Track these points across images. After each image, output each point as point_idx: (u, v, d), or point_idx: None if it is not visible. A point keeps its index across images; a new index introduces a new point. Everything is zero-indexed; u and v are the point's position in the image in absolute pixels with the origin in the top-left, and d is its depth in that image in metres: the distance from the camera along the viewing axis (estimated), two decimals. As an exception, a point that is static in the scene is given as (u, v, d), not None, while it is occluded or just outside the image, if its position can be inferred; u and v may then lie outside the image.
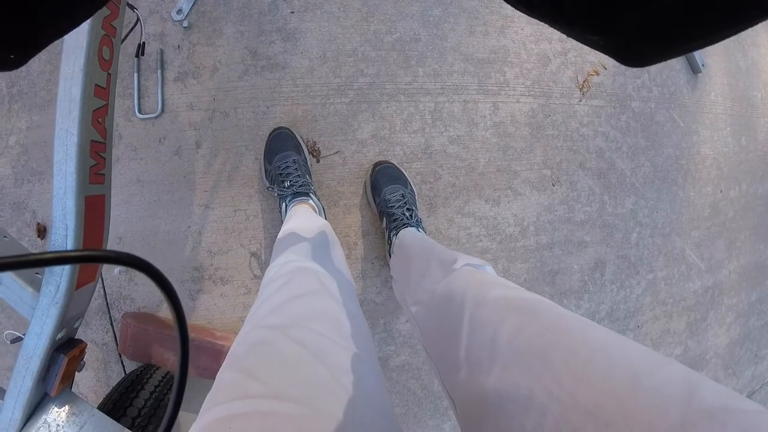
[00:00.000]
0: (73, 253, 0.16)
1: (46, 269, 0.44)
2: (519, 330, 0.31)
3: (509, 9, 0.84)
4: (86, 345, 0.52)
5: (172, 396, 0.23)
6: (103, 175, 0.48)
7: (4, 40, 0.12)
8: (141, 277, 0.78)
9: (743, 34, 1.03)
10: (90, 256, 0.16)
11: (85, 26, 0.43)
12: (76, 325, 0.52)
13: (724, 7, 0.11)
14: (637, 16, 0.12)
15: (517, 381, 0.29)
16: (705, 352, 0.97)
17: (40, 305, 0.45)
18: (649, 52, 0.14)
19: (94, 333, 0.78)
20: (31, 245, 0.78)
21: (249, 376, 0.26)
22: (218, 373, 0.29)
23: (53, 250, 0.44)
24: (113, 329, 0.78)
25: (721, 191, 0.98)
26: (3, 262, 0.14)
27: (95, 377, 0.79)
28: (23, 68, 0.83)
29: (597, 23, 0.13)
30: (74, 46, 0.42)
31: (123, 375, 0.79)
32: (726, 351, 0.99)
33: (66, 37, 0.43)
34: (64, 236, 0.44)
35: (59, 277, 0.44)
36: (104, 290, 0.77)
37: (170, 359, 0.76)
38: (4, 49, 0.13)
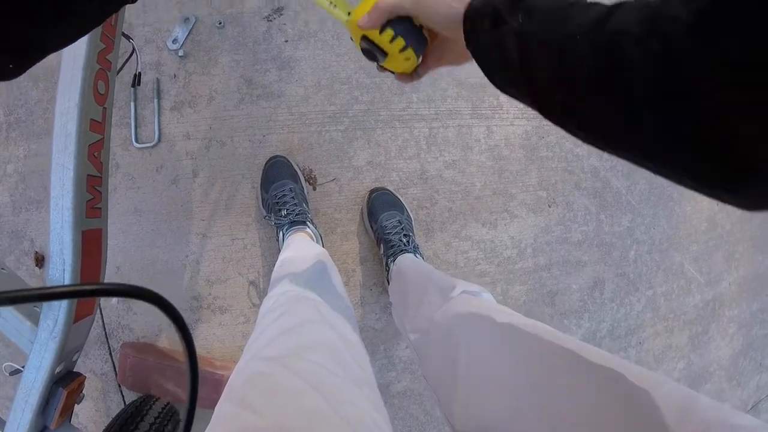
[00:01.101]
0: (85, 287, 0.16)
1: (44, 303, 0.45)
2: (517, 356, 0.32)
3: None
4: (85, 377, 0.52)
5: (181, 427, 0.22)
6: (100, 209, 0.48)
7: (1, 49, 0.12)
8: (139, 307, 0.78)
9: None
10: (100, 290, 0.16)
11: (80, 61, 0.43)
12: (75, 358, 0.52)
13: None
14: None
15: (515, 405, 0.29)
16: (708, 365, 0.97)
17: (38, 339, 0.45)
18: None
19: (92, 363, 0.78)
20: (29, 274, 0.78)
21: (247, 409, 0.26)
22: (217, 405, 0.29)
23: (51, 284, 0.44)
24: (112, 359, 0.77)
25: (718, 204, 0.99)
26: (27, 294, 0.14)
27: (94, 407, 0.78)
28: (21, 97, 0.84)
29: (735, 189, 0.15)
30: (69, 81, 0.43)
31: (122, 405, 0.78)
32: (730, 362, 0.99)
33: (61, 72, 0.43)
34: (61, 270, 0.44)
35: (57, 311, 0.44)
36: (102, 320, 0.77)
37: (170, 389, 0.75)
38: (2, 57, 0.13)
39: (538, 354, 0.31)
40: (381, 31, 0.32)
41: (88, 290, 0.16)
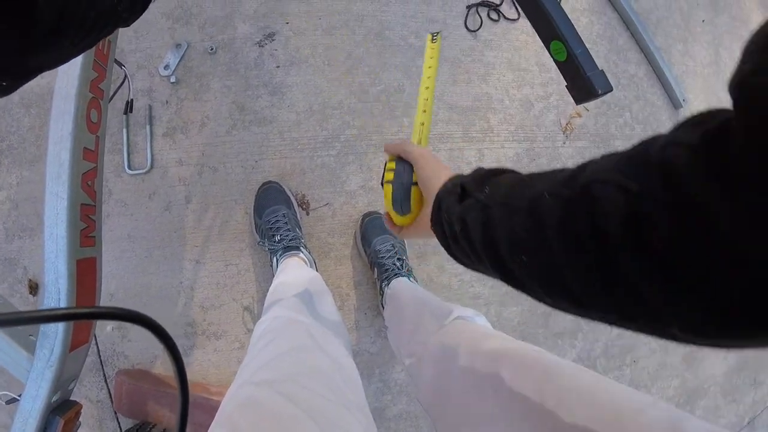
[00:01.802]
0: (77, 311, 0.16)
1: (40, 333, 0.45)
2: (513, 381, 0.32)
3: (491, 56, 0.86)
4: (81, 406, 0.52)
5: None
6: (94, 237, 0.48)
7: None
8: (134, 334, 0.78)
9: (722, 66, 1.05)
10: (93, 313, 0.17)
11: (72, 90, 0.44)
12: (71, 386, 0.52)
13: None
14: None
15: (511, 428, 0.29)
16: (703, 382, 0.97)
17: (34, 368, 0.45)
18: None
19: (88, 390, 0.78)
20: (23, 302, 0.78)
21: None
22: (209, 430, 0.29)
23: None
24: (107, 386, 0.77)
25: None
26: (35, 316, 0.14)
27: (89, 436, 0.78)
28: (13, 124, 0.84)
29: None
30: (62, 111, 0.43)
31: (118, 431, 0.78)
32: (724, 379, 0.99)
33: (54, 101, 0.44)
34: (57, 299, 0.44)
35: (53, 340, 0.44)
36: (97, 347, 0.77)
37: (166, 415, 0.75)
38: None
39: (533, 377, 0.32)
40: (391, 160, 0.36)
41: (81, 313, 0.16)
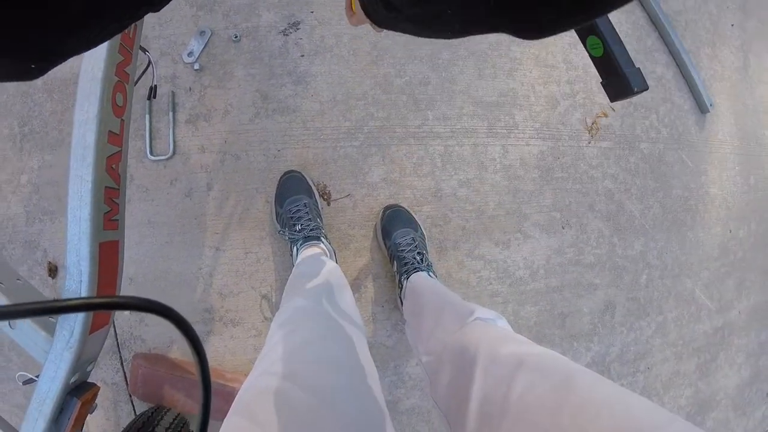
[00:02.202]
0: (97, 300, 0.16)
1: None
2: (530, 387, 0.32)
3: (518, 51, 0.85)
4: (99, 388, 0.52)
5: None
6: (117, 221, 0.48)
7: (25, 51, 0.12)
8: (152, 319, 0.78)
9: (750, 71, 1.03)
10: (113, 303, 0.16)
11: (98, 73, 0.43)
12: (90, 368, 0.52)
13: None
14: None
15: None
16: (715, 393, 0.96)
17: (53, 350, 0.45)
18: (547, 24, 0.15)
19: (104, 372, 0.78)
20: (42, 284, 0.79)
21: (256, 424, 0.27)
22: (226, 418, 0.29)
23: (68, 295, 0.44)
24: (123, 369, 0.78)
25: (730, 231, 0.98)
26: (37, 307, 0.14)
27: (105, 417, 0.79)
28: (35, 108, 0.84)
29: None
30: (88, 93, 0.43)
31: (133, 415, 0.79)
32: (736, 392, 0.98)
33: (80, 83, 0.43)
34: (78, 282, 0.44)
35: (73, 321, 0.44)
36: (115, 330, 0.78)
37: (180, 400, 0.76)
38: (26, 60, 0.13)
39: (552, 385, 0.31)
40: None
41: (101, 303, 0.16)
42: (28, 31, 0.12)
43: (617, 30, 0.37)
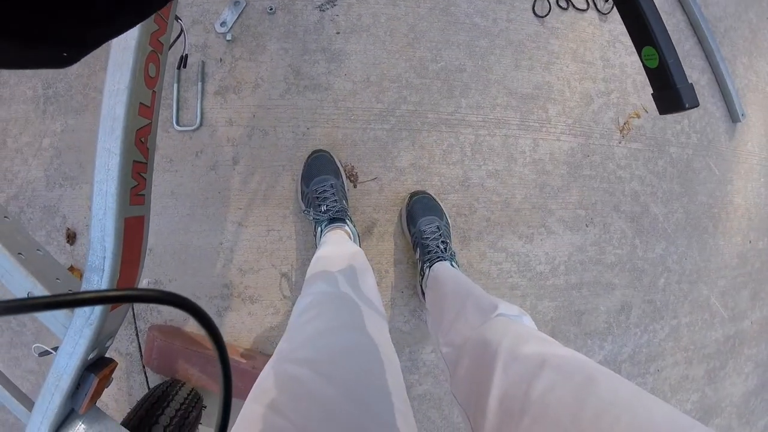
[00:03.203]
0: (113, 293, 0.15)
1: (82, 289, 0.44)
2: (552, 386, 0.32)
3: (556, 45, 0.83)
4: (117, 364, 0.51)
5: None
6: (144, 195, 0.47)
7: (58, 38, 0.12)
8: (169, 290, 0.77)
9: (786, 85, 1.02)
10: (131, 296, 0.16)
11: (132, 42, 0.42)
12: (108, 344, 0.51)
13: None
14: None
15: None
16: (721, 400, 0.97)
17: (73, 325, 0.44)
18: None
19: (118, 342, 0.78)
20: (60, 250, 0.78)
21: (275, 412, 0.26)
22: (245, 404, 0.29)
23: (90, 270, 0.43)
24: (138, 340, 0.77)
25: (750, 242, 0.98)
26: (51, 300, 0.13)
27: (117, 387, 0.79)
28: (61, 70, 0.82)
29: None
30: (120, 62, 0.41)
31: (145, 386, 0.79)
32: (741, 400, 0.99)
33: (112, 52, 0.42)
34: (102, 258, 0.43)
35: None
36: (130, 300, 0.77)
37: (195, 375, 0.75)
38: (59, 46, 0.12)
39: (574, 385, 0.31)
40: None
41: (115, 296, 0.15)
42: (66, 17, 0.11)
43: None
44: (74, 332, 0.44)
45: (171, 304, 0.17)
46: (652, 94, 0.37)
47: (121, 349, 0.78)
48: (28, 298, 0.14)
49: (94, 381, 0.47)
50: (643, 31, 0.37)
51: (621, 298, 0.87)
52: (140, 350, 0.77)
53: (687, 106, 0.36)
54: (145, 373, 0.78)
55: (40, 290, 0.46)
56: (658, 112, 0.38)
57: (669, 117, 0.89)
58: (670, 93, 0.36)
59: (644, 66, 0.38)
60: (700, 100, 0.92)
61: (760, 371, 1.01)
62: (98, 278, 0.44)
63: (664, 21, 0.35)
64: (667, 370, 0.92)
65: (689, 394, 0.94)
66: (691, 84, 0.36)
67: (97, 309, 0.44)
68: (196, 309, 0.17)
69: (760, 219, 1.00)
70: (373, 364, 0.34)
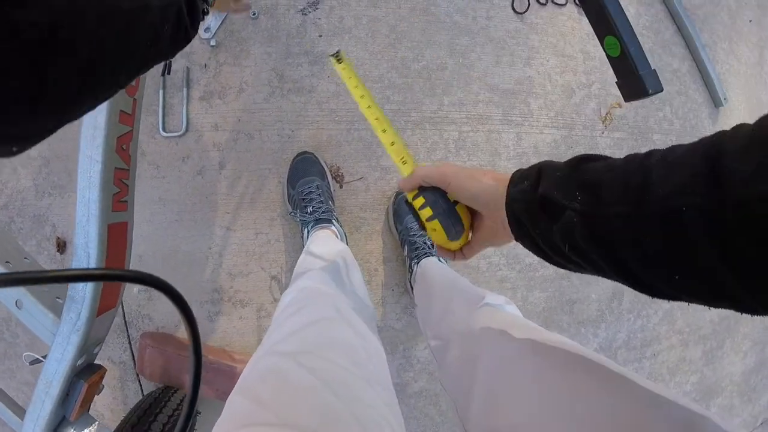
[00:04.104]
0: (95, 272, 0.16)
1: (68, 297, 0.44)
2: (539, 371, 0.32)
3: (536, 40, 0.84)
4: (105, 370, 0.52)
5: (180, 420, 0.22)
6: (126, 202, 0.48)
7: (6, 137, 0.12)
8: (160, 297, 0.77)
9: (766, 67, 1.03)
10: (111, 275, 0.16)
11: None
12: (96, 350, 0.52)
13: None
14: None
15: (533, 418, 0.29)
16: (721, 380, 0.97)
17: (60, 332, 0.44)
18: None
19: (111, 351, 0.78)
20: (50, 259, 0.78)
21: (259, 404, 0.26)
22: (229, 398, 0.29)
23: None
24: (131, 348, 0.78)
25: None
26: (25, 276, 0.14)
27: (112, 396, 0.79)
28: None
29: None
30: None
31: (140, 394, 0.79)
32: (742, 378, 1.00)
33: None
34: (86, 263, 0.43)
35: (80, 304, 0.44)
36: (123, 308, 0.77)
37: (188, 381, 0.75)
38: (7, 144, 0.13)
39: (559, 366, 0.31)
40: (414, 197, 0.33)
41: (99, 275, 0.16)
42: (18, 116, 0.11)
43: (634, 23, 0.37)
44: (62, 338, 0.45)
45: (147, 284, 0.17)
46: (616, 82, 0.38)
47: (115, 357, 0.78)
48: (15, 272, 0.14)
49: (83, 387, 0.47)
50: (604, 20, 0.37)
51: (612, 285, 0.87)
52: (133, 358, 0.77)
53: (650, 91, 0.36)
54: (139, 381, 0.78)
55: (27, 297, 0.46)
56: (624, 100, 0.38)
57: (651, 105, 0.90)
58: (633, 80, 0.36)
59: (607, 56, 0.38)
60: (682, 87, 0.93)
61: (758, 348, 1.01)
62: (83, 284, 0.44)
63: (644, 12, 0.36)
64: (664, 353, 0.92)
65: (688, 376, 0.94)
66: (654, 70, 0.37)
67: (84, 315, 0.45)
68: (168, 288, 0.17)
69: (747, 203, 1.00)
70: (358, 356, 0.34)
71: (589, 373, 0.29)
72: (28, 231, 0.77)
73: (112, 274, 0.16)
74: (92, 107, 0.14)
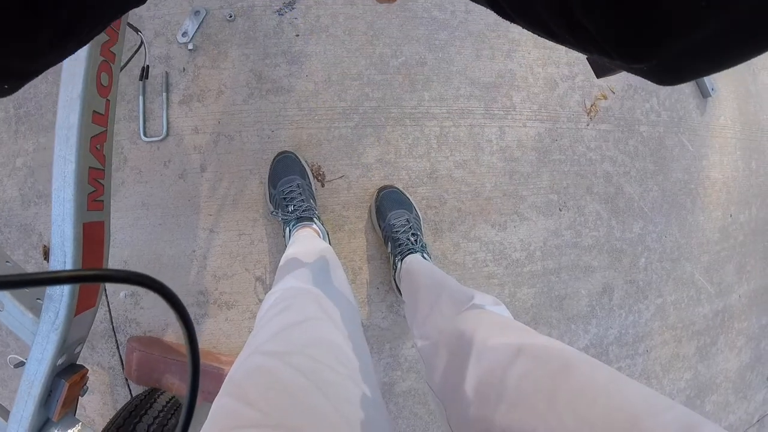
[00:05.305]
0: (84, 272, 0.16)
1: (46, 296, 0.45)
2: (528, 373, 0.32)
3: (516, 32, 0.83)
4: (87, 370, 0.52)
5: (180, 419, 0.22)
6: (102, 201, 0.48)
7: (3, 71, 0.12)
8: (147, 301, 0.78)
9: (753, 59, 1.01)
10: (100, 276, 0.16)
11: (82, 52, 0.43)
12: (78, 350, 0.52)
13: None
14: (680, 45, 0.12)
15: (522, 419, 0.29)
16: (715, 377, 0.95)
17: (40, 331, 0.45)
18: (687, 74, 0.14)
19: (100, 356, 0.78)
20: (38, 267, 0.79)
21: (246, 404, 0.26)
22: (216, 399, 0.28)
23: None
24: (119, 353, 0.78)
25: (731, 215, 0.97)
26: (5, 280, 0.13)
27: (102, 401, 0.79)
28: (30, 90, 0.84)
29: (638, 54, 0.14)
30: (72, 73, 0.42)
31: (129, 398, 0.79)
32: (737, 375, 0.98)
33: (64, 63, 0.43)
34: (62, 263, 0.44)
35: (58, 303, 0.44)
36: (110, 314, 0.77)
37: (175, 384, 0.75)
38: (6, 79, 0.13)
39: (550, 371, 0.31)
40: None
41: (85, 276, 0.15)
42: (8, 53, 0.11)
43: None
44: (41, 338, 0.45)
45: (138, 284, 0.17)
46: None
47: (103, 363, 0.78)
48: (6, 275, 0.14)
49: (64, 387, 0.47)
50: None
51: (602, 280, 0.86)
52: (122, 363, 0.77)
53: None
54: (128, 386, 0.78)
55: (9, 301, 0.47)
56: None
57: (637, 96, 0.88)
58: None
59: None
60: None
61: (753, 344, 0.99)
62: (58, 285, 0.45)
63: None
64: (657, 349, 0.90)
65: (682, 373, 0.93)
66: None
67: (61, 314, 0.45)
68: (162, 288, 0.17)
69: (740, 192, 0.99)
70: (343, 355, 0.34)
71: (579, 375, 0.29)
72: (16, 241, 0.78)
73: (105, 275, 0.16)
74: (85, 41, 0.14)
